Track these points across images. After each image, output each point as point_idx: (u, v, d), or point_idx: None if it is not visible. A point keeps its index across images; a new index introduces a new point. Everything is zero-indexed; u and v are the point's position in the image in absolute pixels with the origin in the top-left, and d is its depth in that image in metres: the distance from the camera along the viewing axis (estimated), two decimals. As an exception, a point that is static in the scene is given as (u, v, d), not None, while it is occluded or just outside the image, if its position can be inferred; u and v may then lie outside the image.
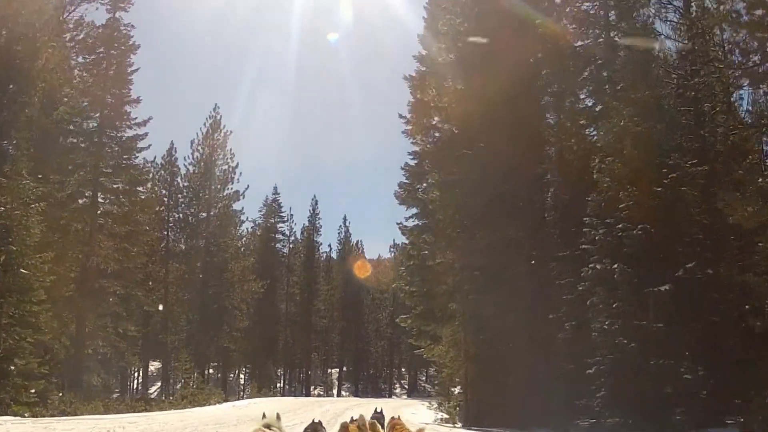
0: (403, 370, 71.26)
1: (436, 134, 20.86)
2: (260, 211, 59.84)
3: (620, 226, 13.63)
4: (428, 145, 20.91)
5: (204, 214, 45.86)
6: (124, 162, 26.35)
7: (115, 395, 28.31)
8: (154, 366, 59.70)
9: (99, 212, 26.38)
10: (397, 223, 23.29)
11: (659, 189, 13.72)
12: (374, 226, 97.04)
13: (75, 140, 25.72)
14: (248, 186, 46.48)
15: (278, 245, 62.43)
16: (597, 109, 17.24)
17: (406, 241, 23.04)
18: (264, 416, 5.26)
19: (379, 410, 7.82)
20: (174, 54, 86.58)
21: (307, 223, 62.79)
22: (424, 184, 22.82)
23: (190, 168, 46.68)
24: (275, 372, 59.02)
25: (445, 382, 33.90)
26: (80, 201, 25.83)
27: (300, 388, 63.33)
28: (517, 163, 17.96)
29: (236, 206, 46.24)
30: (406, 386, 68.45)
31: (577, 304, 16.35)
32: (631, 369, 13.31)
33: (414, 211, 23.31)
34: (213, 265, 44.95)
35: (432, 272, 22.01)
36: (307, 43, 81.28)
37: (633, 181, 13.84)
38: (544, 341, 20.79)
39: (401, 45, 77.07)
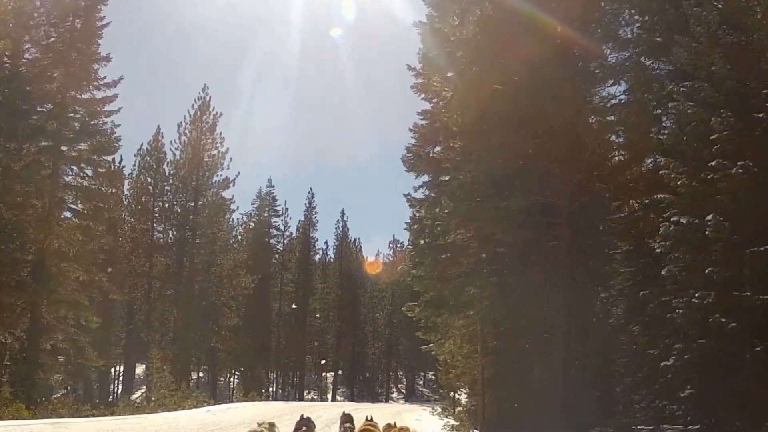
0: (400, 373, 67.26)
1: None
2: (253, 203, 56.15)
3: (713, 163, 9.99)
4: (445, 96, 17.28)
5: (191, 204, 42.06)
6: (90, 126, 22.61)
7: (64, 395, 24.35)
8: (142, 369, 56.03)
9: (61, 184, 22.59)
10: (405, 195, 19.59)
11: (762, 115, 10.10)
12: (372, 224, 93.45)
13: (33, 102, 22.01)
14: (239, 173, 42.72)
15: (272, 241, 58.70)
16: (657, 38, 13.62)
17: (415, 215, 19.24)
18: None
19: (369, 418, 7.42)
20: (171, 43, 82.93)
21: (302, 218, 59.14)
22: (437, 148, 19.17)
23: (177, 153, 42.97)
24: (266, 375, 55.04)
25: (451, 384, 30.19)
26: (42, 173, 22.08)
27: (293, 392, 59.36)
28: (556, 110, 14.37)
29: (226, 194, 42.53)
30: (404, 390, 64.46)
31: (637, 279, 12.75)
32: (730, 357, 9.67)
33: (425, 179, 19.62)
34: (200, 257, 41.17)
35: (446, 251, 18.31)
36: (307, 34, 77.89)
37: (727, 104, 10.22)
38: (584, 330, 17.16)
39: (403, 39, 73.58)
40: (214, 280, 40.98)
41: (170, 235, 43.11)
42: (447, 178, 16.34)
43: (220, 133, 43.13)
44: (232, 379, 59.19)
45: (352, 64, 76.71)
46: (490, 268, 17.23)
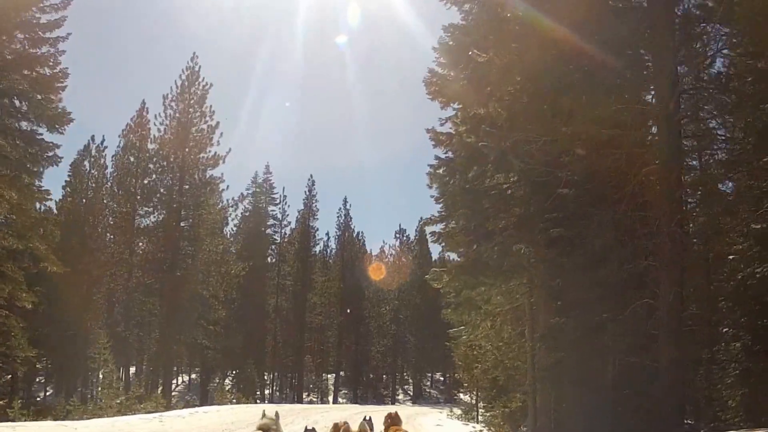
0: (406, 374, 61.76)
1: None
2: (248, 189, 51.04)
3: None
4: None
5: (176, 184, 37.02)
6: (30, 52, 17.61)
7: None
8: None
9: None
10: (427, 130, 14.56)
11: None
12: (375, 217, 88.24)
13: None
14: (230, 149, 37.76)
15: (269, 231, 53.59)
16: None
17: (440, 157, 14.18)
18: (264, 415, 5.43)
19: (367, 418, 7.11)
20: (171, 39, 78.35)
21: (302, 208, 54.03)
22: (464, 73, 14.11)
23: (162, 128, 37.98)
24: (259, 375, 49.75)
25: (476, 381, 25.02)
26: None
27: (292, 394, 54.12)
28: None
29: (215, 173, 37.52)
30: (411, 392, 59.18)
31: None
32: None
33: (454, 109, 14.57)
34: (185, 242, 36.13)
35: (486, 198, 13.27)
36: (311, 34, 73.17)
37: None
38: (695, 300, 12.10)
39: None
40: (200, 267, 35.88)
41: (153, 219, 38.02)
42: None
43: (210, 107, 38.31)
44: (227, 381, 54.02)
45: (357, 66, 72.41)
46: (551, 216, 12.20)
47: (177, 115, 37.71)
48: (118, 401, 20.24)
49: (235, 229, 53.13)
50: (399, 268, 54.35)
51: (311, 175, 54.45)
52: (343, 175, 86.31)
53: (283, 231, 53.33)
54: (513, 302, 14.24)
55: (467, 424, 22.55)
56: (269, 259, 53.57)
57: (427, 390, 61.19)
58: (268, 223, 53.20)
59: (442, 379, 65.65)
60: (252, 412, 21.80)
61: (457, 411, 28.15)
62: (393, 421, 7.48)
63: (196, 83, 38.13)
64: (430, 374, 63.48)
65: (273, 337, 53.63)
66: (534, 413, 14.11)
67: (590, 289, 11.76)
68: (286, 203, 52.77)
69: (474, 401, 25.47)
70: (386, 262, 58.30)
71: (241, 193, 38.05)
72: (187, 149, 37.24)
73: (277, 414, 5.51)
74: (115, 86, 74.39)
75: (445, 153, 14.43)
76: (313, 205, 53.70)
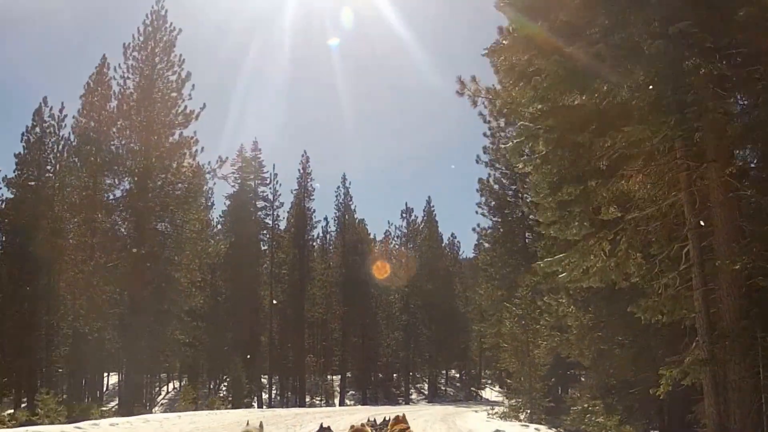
0: (418, 373, 54.28)
1: None
2: (233, 165, 43.92)
3: None
4: None
5: (140, 146, 30.04)
6: None
7: None
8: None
9: None
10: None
11: None
12: (376, 200, 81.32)
13: None
14: (204, 105, 30.81)
15: (260, 214, 46.54)
16: None
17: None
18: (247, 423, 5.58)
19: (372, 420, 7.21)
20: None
21: (296, 187, 46.97)
22: None
23: (123, 82, 31.07)
24: (254, 377, 42.60)
25: (535, 369, 17.91)
26: None
27: (294, 398, 46.90)
28: None
29: (187, 132, 30.53)
30: (425, 390, 51.97)
31: None
32: None
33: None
34: (150, 213, 29.12)
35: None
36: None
37: None
38: None
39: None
40: (169, 244, 28.88)
41: (117, 192, 31.00)
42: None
43: (180, 55, 31.27)
44: (223, 386, 46.87)
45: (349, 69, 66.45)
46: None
47: (140, 65, 30.83)
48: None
49: (219, 210, 46.30)
50: (409, 270, 47.05)
51: (305, 151, 47.42)
52: (340, 154, 78.91)
53: (275, 213, 46.23)
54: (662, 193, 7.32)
55: (527, 426, 15.57)
56: (261, 246, 46.55)
57: (442, 388, 54.01)
58: (259, 205, 46.20)
59: (457, 375, 58.46)
60: (215, 419, 14.93)
61: (500, 408, 21.21)
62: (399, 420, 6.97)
63: (163, 28, 31.21)
64: (444, 371, 56.32)
65: (269, 334, 46.53)
66: (717, 403, 7.13)
67: None
68: (277, 182, 45.77)
69: (528, 395, 18.37)
70: (391, 251, 51.14)
71: (219, 157, 30.80)
72: (152, 105, 30.37)
73: (261, 424, 5.49)
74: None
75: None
76: (309, 184, 46.73)
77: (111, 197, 31.00)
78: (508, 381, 18.97)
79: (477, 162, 27.93)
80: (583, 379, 16.66)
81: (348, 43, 72.14)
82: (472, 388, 51.76)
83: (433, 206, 51.19)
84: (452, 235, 57.34)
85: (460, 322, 50.48)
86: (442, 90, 69.64)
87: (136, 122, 30.32)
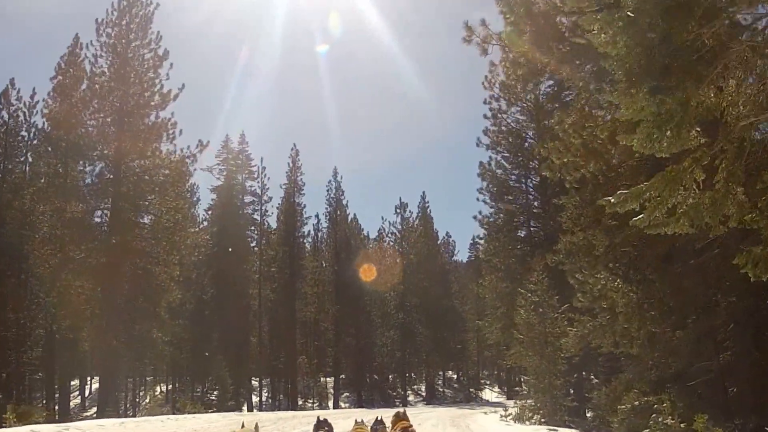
0: (413, 374, 51.44)
1: None
2: (218, 156, 41.41)
3: None
4: None
5: (113, 128, 27.45)
6: None
7: None
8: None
9: None
10: None
11: None
12: (368, 200, 78.68)
13: None
14: (183, 86, 28.32)
15: (247, 209, 43.96)
16: None
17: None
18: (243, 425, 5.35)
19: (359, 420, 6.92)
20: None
21: (285, 182, 44.31)
22: None
23: (96, 61, 28.48)
24: (243, 380, 39.89)
25: (555, 363, 15.34)
26: None
27: (286, 401, 44.08)
28: None
29: (164, 114, 27.97)
30: (422, 392, 49.34)
31: None
32: None
33: None
34: (125, 201, 26.48)
35: None
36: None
37: None
38: None
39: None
40: (144, 234, 26.26)
41: (87, 179, 28.34)
42: None
43: (158, 33, 28.85)
44: (212, 390, 43.92)
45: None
46: None
47: (113, 42, 28.28)
48: None
49: (205, 204, 43.66)
50: (401, 258, 44.62)
51: (294, 144, 44.87)
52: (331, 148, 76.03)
53: (263, 208, 43.62)
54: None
55: (555, 430, 13.07)
56: (250, 242, 43.90)
57: (440, 389, 51.40)
58: (247, 200, 43.62)
59: (455, 376, 55.88)
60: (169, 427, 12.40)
61: (509, 410, 18.69)
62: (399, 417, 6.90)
63: (138, 3, 28.74)
64: (441, 372, 53.70)
65: (259, 334, 43.84)
66: None
67: None
68: (265, 175, 43.19)
69: (548, 393, 15.83)
70: (385, 248, 48.56)
71: (200, 141, 27.83)
72: (127, 86, 27.80)
73: (257, 426, 5.45)
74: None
75: None
76: (299, 178, 44.04)
77: (83, 183, 28.37)
78: (525, 378, 16.45)
79: (477, 145, 25.61)
80: (618, 374, 14.21)
81: (338, 47, 70.03)
82: (471, 390, 49.23)
83: (427, 201, 48.85)
84: (447, 234, 55.09)
85: (457, 322, 48.02)
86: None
87: (109, 103, 27.78)
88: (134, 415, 30.05)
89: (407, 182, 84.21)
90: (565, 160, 11.22)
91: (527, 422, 15.56)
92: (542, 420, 15.48)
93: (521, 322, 16.45)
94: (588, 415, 17.26)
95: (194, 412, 20.18)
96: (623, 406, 10.13)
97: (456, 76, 72.21)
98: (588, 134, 10.69)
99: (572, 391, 16.54)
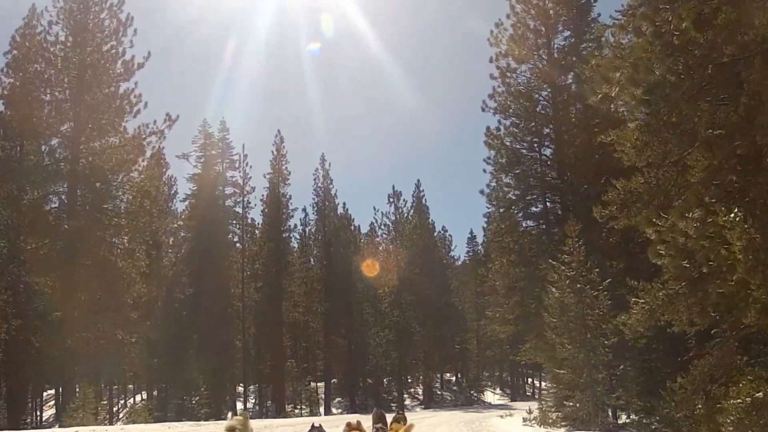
0: (409, 377, 48.01)
1: None
2: (194, 143, 37.95)
3: None
4: None
5: (69, 104, 24.00)
6: None
7: None
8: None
9: None
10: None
11: None
12: (360, 191, 75.24)
13: None
14: (149, 53, 24.96)
15: (228, 201, 40.49)
16: None
17: None
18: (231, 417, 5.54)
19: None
20: None
21: (270, 171, 40.88)
22: None
23: (50, 28, 25.09)
24: (229, 386, 36.32)
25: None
26: None
27: (274, 407, 40.44)
28: None
29: (128, 85, 24.57)
30: (420, 395, 45.95)
31: None
32: None
33: None
34: (83, 182, 23.01)
35: None
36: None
37: None
38: None
39: None
40: (105, 220, 22.76)
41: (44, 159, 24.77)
42: None
43: (121, -5, 25.55)
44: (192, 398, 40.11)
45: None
46: None
47: (69, 5, 24.94)
48: None
49: (182, 195, 40.03)
50: (395, 251, 41.45)
51: (278, 131, 41.48)
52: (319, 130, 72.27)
53: (245, 199, 40.17)
54: None
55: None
56: (231, 237, 40.43)
57: (438, 392, 48.04)
58: (227, 192, 40.16)
59: (453, 379, 52.53)
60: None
61: (532, 411, 15.48)
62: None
63: (98, -37, 25.45)
64: (439, 374, 50.36)
65: (243, 337, 40.31)
66: None
67: None
68: (247, 164, 39.78)
69: (590, 390, 12.65)
70: (378, 242, 45.35)
71: (168, 114, 24.13)
72: (85, 54, 24.44)
73: (246, 416, 5.64)
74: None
75: None
76: (284, 167, 40.67)
77: (40, 166, 24.81)
78: (561, 371, 13.20)
79: (483, 110, 22.44)
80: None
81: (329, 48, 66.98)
82: (472, 392, 45.89)
83: (422, 190, 45.45)
84: (443, 228, 51.49)
85: (456, 319, 44.80)
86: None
87: (66, 75, 24.38)
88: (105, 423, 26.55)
89: (400, 179, 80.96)
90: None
91: (557, 426, 12.33)
92: (581, 426, 12.26)
93: (553, 302, 13.29)
94: (631, 417, 13.97)
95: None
96: (736, 401, 7.03)
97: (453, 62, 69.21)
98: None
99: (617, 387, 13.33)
